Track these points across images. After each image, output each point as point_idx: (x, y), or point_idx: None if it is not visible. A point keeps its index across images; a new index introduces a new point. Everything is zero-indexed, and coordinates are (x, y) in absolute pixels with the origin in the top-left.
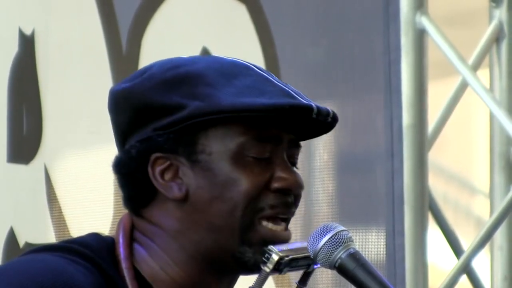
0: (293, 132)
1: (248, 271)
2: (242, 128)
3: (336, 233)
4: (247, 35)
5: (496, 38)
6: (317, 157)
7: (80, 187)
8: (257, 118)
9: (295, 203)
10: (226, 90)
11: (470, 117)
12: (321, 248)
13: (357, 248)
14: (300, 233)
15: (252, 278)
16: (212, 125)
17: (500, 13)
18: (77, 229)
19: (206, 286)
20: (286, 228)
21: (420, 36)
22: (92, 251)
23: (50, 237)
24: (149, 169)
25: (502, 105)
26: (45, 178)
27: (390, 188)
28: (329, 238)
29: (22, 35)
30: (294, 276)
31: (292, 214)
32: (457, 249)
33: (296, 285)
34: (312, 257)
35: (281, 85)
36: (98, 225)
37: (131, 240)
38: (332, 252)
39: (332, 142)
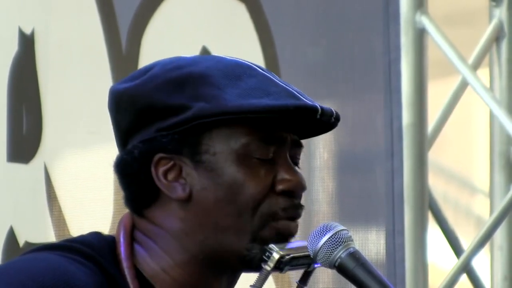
0: (296, 131)
1: (252, 269)
2: (247, 129)
3: (336, 233)
4: (247, 35)
5: (496, 38)
6: (317, 156)
7: (80, 186)
8: (261, 119)
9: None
10: (230, 91)
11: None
12: (321, 247)
13: (357, 247)
14: (300, 232)
15: (252, 277)
16: (216, 126)
17: (500, 13)
18: (77, 228)
19: (208, 286)
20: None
21: (420, 35)
22: (93, 250)
23: (50, 237)
24: (152, 170)
25: (502, 104)
26: (45, 178)
27: (390, 187)
28: (329, 238)
29: (22, 34)
30: (294, 275)
31: (301, 213)
32: (457, 248)
33: (296, 284)
34: (312, 256)
35: (284, 85)
36: (98, 224)
37: (131, 239)
38: (332, 252)
39: (332, 142)
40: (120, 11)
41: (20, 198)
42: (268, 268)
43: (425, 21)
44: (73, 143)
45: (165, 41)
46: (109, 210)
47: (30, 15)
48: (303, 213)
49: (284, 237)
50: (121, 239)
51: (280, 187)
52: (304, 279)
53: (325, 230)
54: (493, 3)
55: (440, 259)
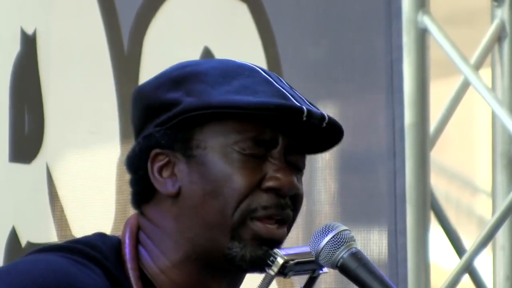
0: (296, 138)
1: (235, 266)
2: (237, 126)
3: (338, 233)
4: (248, 35)
5: (498, 38)
6: (319, 156)
7: (82, 186)
8: (249, 117)
9: (294, 206)
10: (221, 88)
11: (472, 116)
12: (323, 247)
13: (359, 247)
14: (302, 232)
15: (256, 281)
16: (207, 121)
17: (502, 13)
18: (79, 228)
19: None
20: (280, 227)
21: (422, 35)
22: (97, 252)
23: (52, 237)
24: (149, 165)
25: (504, 104)
26: (47, 178)
27: (392, 187)
28: (331, 238)
29: (23, 34)
30: (298, 280)
31: (288, 216)
32: (459, 248)
33: None
34: (313, 256)
35: (280, 87)
36: (100, 224)
37: (137, 241)
38: (334, 252)
39: None
40: (122, 11)
41: (22, 198)
42: (272, 273)
43: (427, 21)
44: (75, 143)
45: (167, 41)
46: (111, 210)
47: (32, 15)
48: (305, 214)
49: (261, 241)
50: (127, 240)
51: (266, 184)
52: (308, 285)
53: (327, 230)
54: (495, 3)
55: (442, 259)
